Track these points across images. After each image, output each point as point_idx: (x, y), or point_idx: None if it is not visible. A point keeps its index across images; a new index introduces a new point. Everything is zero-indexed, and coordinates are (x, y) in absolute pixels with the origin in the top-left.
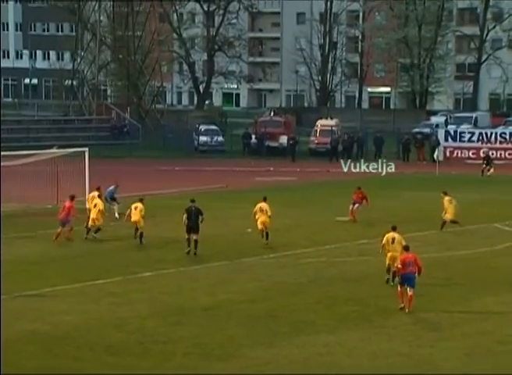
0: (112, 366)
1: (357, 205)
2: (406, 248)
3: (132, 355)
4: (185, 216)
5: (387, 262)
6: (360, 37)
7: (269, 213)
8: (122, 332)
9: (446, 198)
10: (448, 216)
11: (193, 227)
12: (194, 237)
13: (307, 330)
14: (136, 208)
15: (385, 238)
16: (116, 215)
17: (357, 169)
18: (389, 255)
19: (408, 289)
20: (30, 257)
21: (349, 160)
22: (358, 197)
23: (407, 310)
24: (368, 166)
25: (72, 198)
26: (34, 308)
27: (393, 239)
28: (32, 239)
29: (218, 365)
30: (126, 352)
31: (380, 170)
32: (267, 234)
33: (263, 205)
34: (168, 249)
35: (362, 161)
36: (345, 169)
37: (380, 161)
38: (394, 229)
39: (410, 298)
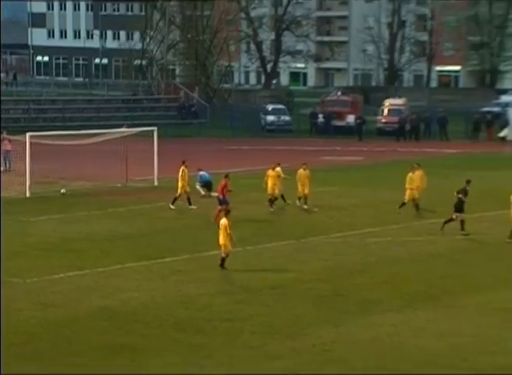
0: (180, 343)
1: None
2: None
3: (200, 332)
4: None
5: None
6: (429, 15)
7: None
8: (189, 309)
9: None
10: None
11: (455, 206)
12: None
13: (374, 310)
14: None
15: None
16: (203, 192)
17: None
18: None
19: None
20: (100, 235)
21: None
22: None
23: None
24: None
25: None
26: (104, 285)
27: None
28: (102, 217)
29: (285, 343)
30: (194, 329)
31: None
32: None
33: None
34: (236, 228)
35: None
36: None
37: None
38: None
39: None
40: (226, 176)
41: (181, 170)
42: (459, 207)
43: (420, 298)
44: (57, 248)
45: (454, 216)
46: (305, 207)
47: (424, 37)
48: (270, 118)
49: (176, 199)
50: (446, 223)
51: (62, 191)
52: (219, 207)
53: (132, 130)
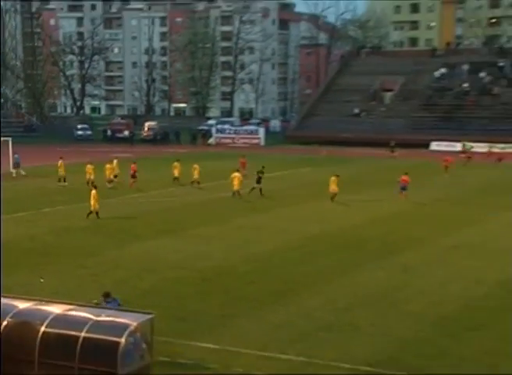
0: (30, 262)
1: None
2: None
3: (39, 255)
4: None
5: None
6: (168, 75)
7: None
8: (33, 242)
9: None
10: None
11: (256, 180)
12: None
13: (141, 238)
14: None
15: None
16: (14, 174)
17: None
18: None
19: None
20: None
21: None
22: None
23: None
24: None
25: (134, 162)
26: None
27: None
28: None
29: (91, 259)
30: (36, 253)
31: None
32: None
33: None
34: (61, 195)
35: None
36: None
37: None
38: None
39: None
40: (134, 162)
41: (59, 162)
42: (258, 181)
43: (169, 231)
44: None
45: (255, 186)
46: (115, 180)
47: (166, 87)
48: (79, 132)
49: (59, 180)
50: (251, 190)
51: None
52: (132, 180)
53: None
